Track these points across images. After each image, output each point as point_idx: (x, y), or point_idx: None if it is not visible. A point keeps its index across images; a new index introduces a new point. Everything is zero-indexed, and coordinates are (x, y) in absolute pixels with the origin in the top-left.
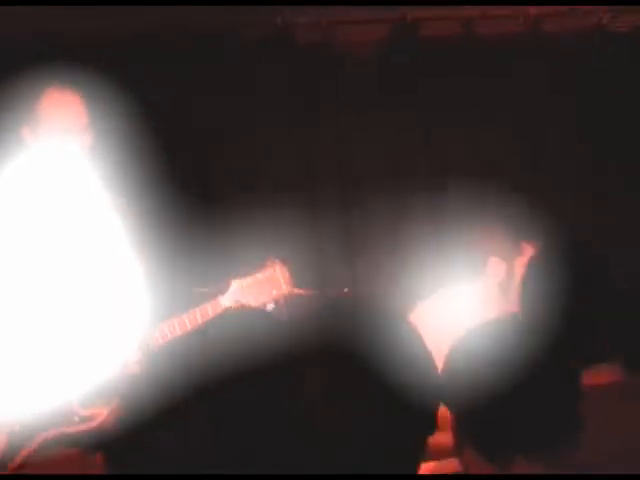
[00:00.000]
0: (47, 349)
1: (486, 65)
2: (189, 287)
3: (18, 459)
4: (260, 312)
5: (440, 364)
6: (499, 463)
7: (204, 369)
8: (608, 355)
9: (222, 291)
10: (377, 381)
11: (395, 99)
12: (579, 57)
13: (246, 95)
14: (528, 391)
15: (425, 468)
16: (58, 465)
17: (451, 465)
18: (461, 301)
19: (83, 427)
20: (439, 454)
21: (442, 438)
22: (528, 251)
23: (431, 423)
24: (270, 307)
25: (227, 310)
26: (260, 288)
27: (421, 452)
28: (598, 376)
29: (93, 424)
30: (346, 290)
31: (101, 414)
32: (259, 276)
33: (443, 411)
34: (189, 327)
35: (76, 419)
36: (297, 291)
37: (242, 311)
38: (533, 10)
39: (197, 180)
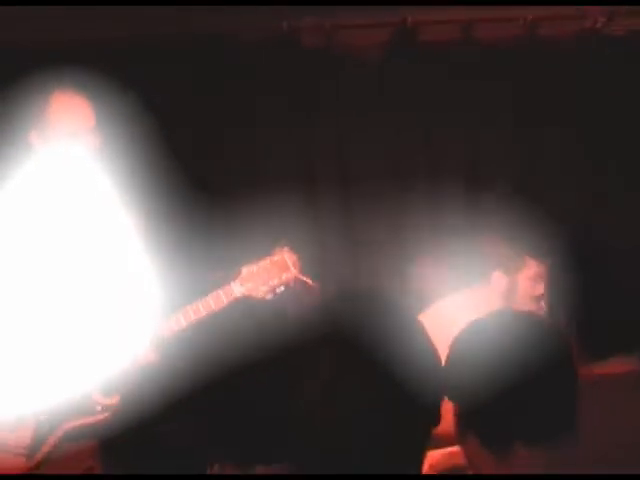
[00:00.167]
0: (66, 341)
1: (485, 68)
2: (203, 275)
3: (45, 448)
4: (267, 303)
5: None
6: (500, 451)
7: (215, 357)
8: (626, 346)
9: (234, 277)
10: (381, 372)
11: (395, 100)
12: (576, 60)
13: (251, 96)
14: (529, 381)
15: (430, 455)
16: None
17: (455, 453)
18: (464, 306)
19: (105, 416)
20: (443, 442)
21: (446, 427)
22: (532, 265)
23: (435, 414)
24: (280, 290)
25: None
26: (270, 273)
27: (426, 441)
28: (614, 366)
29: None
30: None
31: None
32: (268, 262)
33: (446, 401)
34: (203, 314)
35: (98, 408)
36: (305, 276)
37: (250, 302)
38: (530, 14)
39: (203, 177)
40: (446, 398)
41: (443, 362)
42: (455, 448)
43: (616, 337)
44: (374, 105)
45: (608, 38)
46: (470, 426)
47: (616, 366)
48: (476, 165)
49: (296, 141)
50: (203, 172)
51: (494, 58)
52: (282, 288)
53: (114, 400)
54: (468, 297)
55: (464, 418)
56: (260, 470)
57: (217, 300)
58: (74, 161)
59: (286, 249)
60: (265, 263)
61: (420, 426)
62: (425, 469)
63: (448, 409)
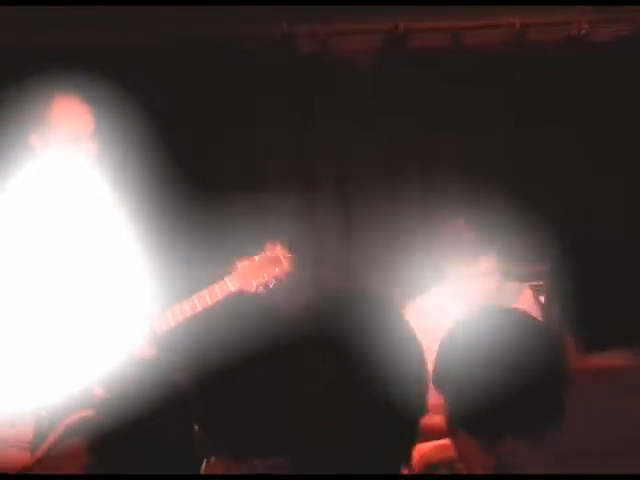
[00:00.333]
0: (65, 337)
1: (474, 73)
2: (198, 271)
3: (46, 443)
4: (260, 297)
5: (431, 358)
6: (489, 444)
7: (211, 351)
8: (623, 339)
9: (228, 273)
10: (367, 368)
11: (388, 104)
12: (562, 65)
13: (248, 99)
14: (517, 375)
15: (421, 447)
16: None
17: (445, 445)
18: (451, 300)
19: (104, 410)
20: (434, 435)
21: (437, 420)
22: (527, 294)
23: (420, 408)
24: (272, 284)
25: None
26: (262, 268)
27: (413, 433)
28: (611, 359)
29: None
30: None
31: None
32: (261, 257)
33: (437, 395)
34: (199, 308)
35: (98, 403)
36: (297, 269)
37: (244, 297)
38: (518, 21)
39: (200, 177)
40: (437, 392)
41: (427, 357)
42: (446, 440)
43: (614, 330)
44: (368, 108)
45: (593, 44)
46: (459, 419)
47: (613, 359)
48: (467, 167)
49: (292, 142)
50: (200, 171)
51: (483, 64)
52: (274, 283)
53: (113, 394)
54: (450, 291)
55: (454, 411)
56: (258, 463)
57: (212, 295)
58: (73, 165)
59: (278, 245)
60: (258, 259)
61: (406, 418)
62: (416, 460)
63: (439, 402)
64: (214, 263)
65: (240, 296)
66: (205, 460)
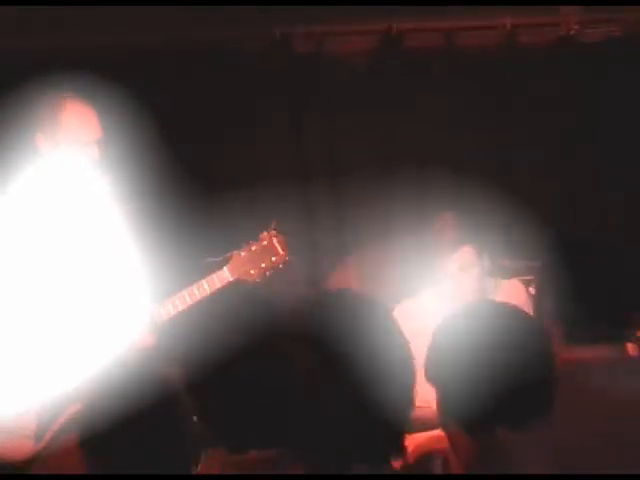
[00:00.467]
0: (67, 328)
1: (466, 72)
2: (197, 261)
3: (49, 433)
4: (258, 286)
5: (421, 352)
6: (478, 434)
7: (210, 339)
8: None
9: (226, 262)
10: (355, 362)
11: (382, 103)
12: (552, 64)
13: (246, 98)
14: (506, 369)
15: (415, 438)
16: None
17: (438, 436)
18: (441, 299)
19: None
20: (428, 426)
21: (429, 412)
22: (518, 288)
23: (408, 402)
24: (269, 273)
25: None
26: (259, 257)
27: (403, 425)
28: (597, 352)
29: None
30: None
31: None
32: (258, 246)
33: (429, 388)
34: (199, 297)
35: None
36: (292, 258)
37: (241, 285)
38: (509, 22)
39: (200, 172)
40: (430, 384)
41: (418, 354)
42: (438, 431)
43: (601, 324)
44: (362, 106)
45: (583, 44)
46: (451, 411)
47: (599, 352)
48: (459, 166)
49: (288, 140)
50: (199, 168)
51: (475, 63)
52: (271, 271)
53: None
54: (437, 292)
55: (445, 403)
56: (253, 455)
57: (211, 284)
58: (78, 168)
59: (274, 234)
60: (255, 248)
61: (396, 412)
62: (411, 451)
63: (432, 395)
64: (212, 254)
65: (238, 285)
66: (203, 451)
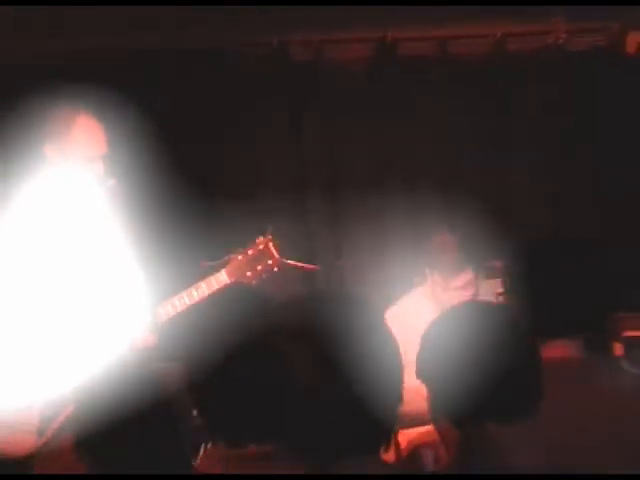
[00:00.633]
0: (70, 327)
1: (458, 79)
2: (196, 263)
3: (52, 429)
4: (253, 288)
5: (412, 351)
6: (467, 430)
7: (208, 339)
8: (567, 331)
9: (223, 265)
10: (347, 360)
11: (377, 109)
12: (540, 72)
13: (246, 105)
14: (494, 366)
15: (408, 433)
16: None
17: (429, 431)
18: (429, 298)
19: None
20: (419, 421)
21: (421, 408)
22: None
23: (398, 397)
24: (265, 276)
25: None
26: (256, 260)
27: (393, 420)
28: (555, 350)
29: None
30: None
31: None
32: (254, 250)
33: (420, 385)
34: (197, 298)
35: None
36: (287, 261)
37: (238, 287)
38: (499, 31)
39: (199, 179)
40: (420, 381)
41: (409, 352)
42: (430, 427)
43: (558, 322)
44: (358, 113)
45: (570, 52)
46: (441, 407)
47: (557, 351)
48: (447, 171)
49: (286, 146)
50: (198, 173)
51: (467, 70)
52: (267, 274)
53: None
54: (425, 293)
55: (435, 400)
56: (252, 449)
57: (209, 286)
58: (82, 180)
59: (270, 239)
60: (251, 252)
61: (386, 408)
62: (404, 445)
63: (423, 392)
64: (211, 257)
65: (235, 286)
66: (203, 445)
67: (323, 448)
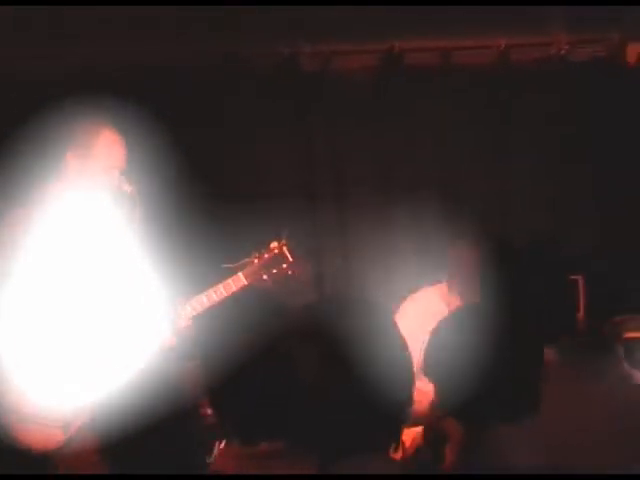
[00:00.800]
0: (96, 328)
1: (463, 88)
2: (215, 266)
3: (76, 424)
4: (269, 290)
5: (418, 349)
6: (472, 428)
7: (227, 340)
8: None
9: (241, 268)
10: (359, 360)
11: (384, 117)
12: (542, 81)
13: (258, 113)
14: (498, 366)
15: (412, 432)
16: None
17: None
18: (435, 297)
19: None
20: (424, 420)
21: (425, 407)
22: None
23: (408, 396)
24: (280, 278)
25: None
26: (271, 263)
27: (403, 418)
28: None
29: None
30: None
31: None
32: (270, 254)
33: (427, 385)
34: (216, 299)
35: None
36: (301, 265)
37: (254, 289)
38: (503, 42)
39: (216, 187)
40: (427, 381)
41: (414, 352)
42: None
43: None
44: (365, 121)
45: (571, 63)
46: (446, 404)
47: (556, 351)
48: (448, 178)
49: (296, 153)
50: (213, 180)
51: (471, 80)
52: (282, 277)
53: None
54: (434, 293)
55: (442, 398)
56: (264, 446)
57: (227, 288)
58: (101, 189)
59: (284, 243)
60: (267, 256)
61: (396, 407)
62: (408, 444)
63: (429, 392)
64: (228, 260)
65: (250, 289)
66: (217, 443)
67: (334, 446)
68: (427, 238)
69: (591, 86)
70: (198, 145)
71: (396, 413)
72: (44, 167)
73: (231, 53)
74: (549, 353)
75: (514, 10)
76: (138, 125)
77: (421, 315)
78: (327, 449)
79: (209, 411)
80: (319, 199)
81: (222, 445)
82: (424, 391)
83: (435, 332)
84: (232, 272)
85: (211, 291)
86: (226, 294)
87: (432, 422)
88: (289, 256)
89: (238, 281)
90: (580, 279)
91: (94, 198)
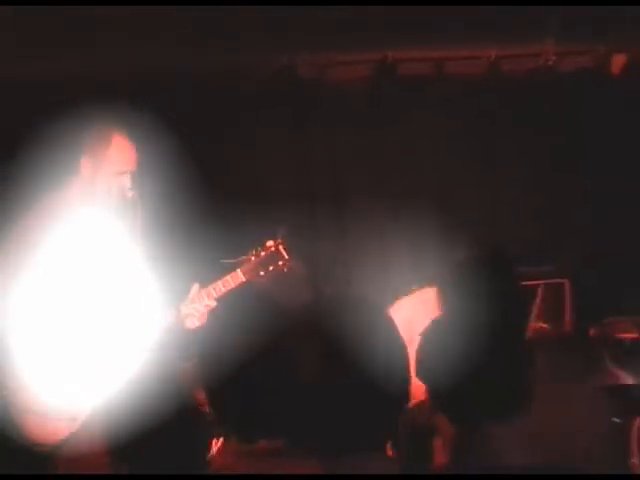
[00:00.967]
0: (96, 329)
1: (455, 98)
2: (216, 262)
3: (79, 423)
4: (265, 287)
5: (413, 348)
6: (463, 426)
7: (225, 337)
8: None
9: (239, 265)
10: (359, 360)
11: (378, 125)
12: (531, 91)
13: (256, 120)
14: (488, 367)
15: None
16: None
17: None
18: (429, 298)
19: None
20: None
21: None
22: None
23: (405, 393)
24: (276, 275)
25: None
26: (268, 261)
27: (398, 414)
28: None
29: None
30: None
31: None
32: (266, 252)
33: (420, 384)
34: (215, 296)
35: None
36: (297, 263)
37: (251, 286)
38: (493, 52)
39: (216, 189)
40: (420, 381)
41: (409, 352)
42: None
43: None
44: (361, 128)
45: (559, 73)
46: (438, 404)
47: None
48: (443, 183)
49: (293, 158)
50: (213, 183)
51: (463, 89)
52: (278, 274)
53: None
54: (427, 295)
55: (434, 398)
56: (262, 444)
57: (226, 284)
58: (110, 192)
59: (280, 241)
60: (264, 254)
61: (393, 405)
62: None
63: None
64: (227, 257)
65: (249, 287)
66: (215, 440)
67: (332, 444)
68: (421, 241)
69: (578, 96)
70: (199, 152)
71: (392, 411)
72: (58, 172)
73: (231, 61)
74: (538, 354)
75: (504, 22)
76: (143, 129)
77: (413, 317)
78: (325, 446)
79: (207, 409)
80: (316, 201)
81: (219, 443)
82: (418, 385)
83: (426, 333)
84: (230, 269)
85: (210, 287)
86: (225, 290)
87: (423, 416)
88: (285, 254)
89: (236, 278)
90: (566, 283)
91: (105, 202)
